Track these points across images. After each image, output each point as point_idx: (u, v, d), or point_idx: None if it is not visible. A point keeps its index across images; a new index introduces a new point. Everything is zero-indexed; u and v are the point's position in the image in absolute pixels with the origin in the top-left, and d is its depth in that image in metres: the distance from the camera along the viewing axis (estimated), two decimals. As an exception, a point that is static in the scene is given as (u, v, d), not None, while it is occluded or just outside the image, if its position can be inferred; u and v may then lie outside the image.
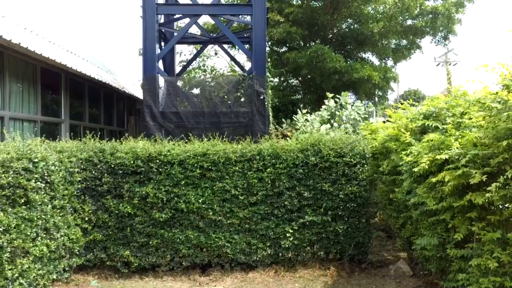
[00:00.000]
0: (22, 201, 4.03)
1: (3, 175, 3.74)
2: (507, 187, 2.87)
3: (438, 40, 14.43)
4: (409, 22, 13.92)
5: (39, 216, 4.31)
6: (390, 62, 15.39)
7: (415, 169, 3.43)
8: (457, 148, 3.17)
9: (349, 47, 15.06)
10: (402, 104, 4.94)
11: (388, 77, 13.63)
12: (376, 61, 15.53)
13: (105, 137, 10.98)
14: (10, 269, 3.85)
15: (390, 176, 5.23)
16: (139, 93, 14.16)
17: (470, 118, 3.48)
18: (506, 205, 3.17)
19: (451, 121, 3.60)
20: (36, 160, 4.24)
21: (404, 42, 14.75)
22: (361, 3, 13.25)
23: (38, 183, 4.26)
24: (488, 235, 3.03)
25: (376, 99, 15.54)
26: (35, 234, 4.26)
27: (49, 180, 4.50)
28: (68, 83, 8.98)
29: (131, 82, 15.49)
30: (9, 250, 3.84)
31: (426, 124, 3.93)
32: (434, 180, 3.30)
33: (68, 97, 9.05)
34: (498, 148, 2.65)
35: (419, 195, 3.83)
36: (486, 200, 2.95)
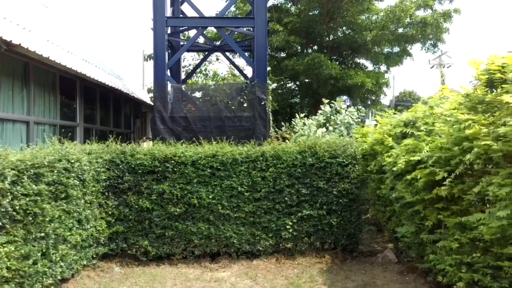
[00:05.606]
0: (63, 196, 4.73)
1: (49, 174, 4.44)
2: (465, 182, 3.60)
3: (428, 48, 15.25)
4: (400, 30, 14.74)
5: (75, 209, 5.01)
6: (383, 67, 16.21)
7: (394, 169, 4.16)
8: (427, 151, 3.91)
9: (344, 53, 15.88)
10: (386, 112, 5.68)
11: (381, 82, 14.42)
12: (370, 67, 16.36)
13: (114, 139, 11.65)
14: (54, 253, 4.55)
15: (377, 175, 5.97)
16: (144, 97, 14.87)
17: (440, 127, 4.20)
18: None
19: (425, 128, 4.33)
20: (73, 161, 4.94)
21: (397, 49, 15.57)
22: (355, 13, 14.03)
23: (75, 180, 4.97)
24: (450, 221, 3.76)
25: (369, 103, 16.33)
26: (71, 225, 4.96)
27: (82, 178, 5.21)
28: (83, 89, 9.66)
29: (137, 86, 16.17)
30: (53, 237, 4.54)
31: (405, 131, 4.66)
32: (409, 177, 4.03)
33: (83, 102, 9.74)
34: (455, 152, 3.38)
35: (399, 190, 4.56)
36: (448, 193, 3.68)
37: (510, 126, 2.50)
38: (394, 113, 5.73)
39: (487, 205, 3.30)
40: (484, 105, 2.97)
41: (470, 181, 3.45)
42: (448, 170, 3.56)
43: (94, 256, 5.73)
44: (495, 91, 2.94)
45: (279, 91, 16.45)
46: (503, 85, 2.79)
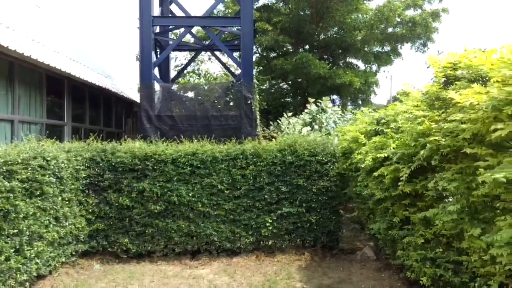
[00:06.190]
0: (38, 193, 4.77)
1: (23, 171, 4.48)
2: (427, 178, 3.64)
3: (417, 47, 15.32)
4: (390, 30, 14.80)
5: (51, 206, 5.05)
6: (375, 67, 16.28)
7: (362, 165, 4.21)
8: (393, 148, 3.95)
9: (334, 53, 15.95)
10: (362, 111, 5.73)
11: (370, 82, 14.48)
12: (362, 66, 16.42)
13: (104, 138, 11.70)
14: (28, 250, 4.59)
15: (355, 172, 6.01)
16: (136, 97, 14.89)
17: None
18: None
19: (394, 126, 4.38)
20: (49, 158, 4.98)
21: (388, 48, 15.62)
22: (344, 13, 14.09)
23: (51, 178, 5.01)
24: (415, 217, 3.81)
25: (360, 102, 16.39)
26: (48, 222, 5.00)
27: (59, 176, 5.25)
28: (71, 89, 9.70)
29: (128, 86, 16.22)
30: (28, 234, 4.58)
31: (376, 128, 4.70)
32: (376, 174, 4.07)
33: (71, 101, 9.77)
34: (416, 148, 3.43)
35: (370, 187, 4.61)
36: (413, 189, 3.73)
37: (457, 122, 2.55)
38: (370, 112, 5.78)
39: (446, 201, 3.34)
40: (440, 102, 3.01)
41: (431, 177, 3.49)
42: (410, 166, 3.61)
43: (74, 253, 5.77)
44: (450, 88, 2.99)
45: (271, 90, 16.52)
46: (456, 82, 2.84)
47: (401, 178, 3.44)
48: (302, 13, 14.67)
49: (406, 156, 3.65)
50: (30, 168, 4.61)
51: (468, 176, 2.67)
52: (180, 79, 14.01)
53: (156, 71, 9.89)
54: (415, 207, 4.00)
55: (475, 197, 2.64)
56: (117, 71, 16.11)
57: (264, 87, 15.70)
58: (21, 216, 4.44)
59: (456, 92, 2.54)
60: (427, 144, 2.96)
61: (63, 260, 5.50)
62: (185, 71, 14.71)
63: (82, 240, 5.91)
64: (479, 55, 2.85)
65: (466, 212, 2.78)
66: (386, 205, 4.31)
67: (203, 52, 14.76)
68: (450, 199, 3.51)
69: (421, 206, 3.90)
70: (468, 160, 2.68)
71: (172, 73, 12.62)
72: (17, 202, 4.34)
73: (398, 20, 14.18)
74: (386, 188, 4.27)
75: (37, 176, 4.73)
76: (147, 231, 6.17)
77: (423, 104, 3.41)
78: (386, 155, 3.98)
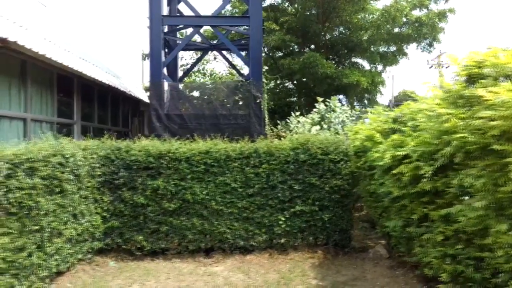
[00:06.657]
0: (58, 190, 4.83)
1: (44, 168, 4.53)
2: (448, 176, 3.68)
3: (424, 47, 15.38)
4: (396, 29, 14.85)
5: (69, 204, 5.10)
6: (380, 67, 16.33)
7: (380, 163, 4.25)
8: (412, 146, 4.00)
9: (340, 53, 16.00)
10: (375, 110, 5.78)
11: (376, 82, 14.53)
12: (367, 66, 16.47)
13: (109, 135, 11.71)
14: (49, 246, 4.64)
15: (369, 171, 6.06)
16: (142, 96, 14.95)
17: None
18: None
19: (411, 124, 4.42)
20: (67, 156, 5.04)
21: (394, 48, 15.66)
22: (351, 13, 14.14)
23: (69, 175, 5.06)
24: (434, 214, 3.85)
25: (366, 102, 16.45)
26: (66, 219, 5.05)
27: (77, 173, 5.30)
28: (80, 88, 9.75)
29: (135, 85, 16.27)
30: (48, 230, 4.64)
31: (393, 127, 4.75)
32: (395, 171, 4.12)
33: (80, 100, 9.82)
34: (437, 146, 3.47)
35: (387, 185, 4.65)
36: (432, 187, 3.77)
37: (485, 119, 2.60)
38: (385, 110, 5.83)
39: (469, 198, 3.39)
40: (464, 100, 3.06)
41: (453, 175, 3.54)
42: (432, 164, 3.65)
43: (90, 250, 5.82)
44: (473, 86, 3.03)
45: (277, 90, 16.58)
46: (481, 80, 2.89)
47: (424, 176, 3.48)
48: (308, 13, 14.73)
49: (427, 154, 3.70)
50: (50, 165, 4.66)
51: (495, 172, 2.72)
52: (186, 78, 14.06)
53: (164, 70, 9.93)
54: (434, 204, 4.05)
55: (502, 193, 2.69)
56: (122, 70, 16.16)
57: (269, 87, 15.76)
58: (42, 212, 4.50)
59: (484, 90, 2.60)
60: (453, 142, 3.01)
61: (80, 257, 5.56)
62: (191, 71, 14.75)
63: (98, 237, 5.96)
64: (503, 53, 2.89)
65: (492, 208, 2.82)
66: (404, 203, 4.35)
67: (208, 52, 14.81)
68: (467, 198, 3.57)
69: (440, 204, 3.95)
70: (495, 157, 2.73)
71: (179, 73, 12.67)
72: (38, 199, 4.40)
73: (405, 20, 14.23)
74: (404, 186, 4.32)
75: (56, 173, 4.78)
76: (161, 229, 6.22)
77: (444, 103, 3.46)
78: (405, 153, 4.02)
